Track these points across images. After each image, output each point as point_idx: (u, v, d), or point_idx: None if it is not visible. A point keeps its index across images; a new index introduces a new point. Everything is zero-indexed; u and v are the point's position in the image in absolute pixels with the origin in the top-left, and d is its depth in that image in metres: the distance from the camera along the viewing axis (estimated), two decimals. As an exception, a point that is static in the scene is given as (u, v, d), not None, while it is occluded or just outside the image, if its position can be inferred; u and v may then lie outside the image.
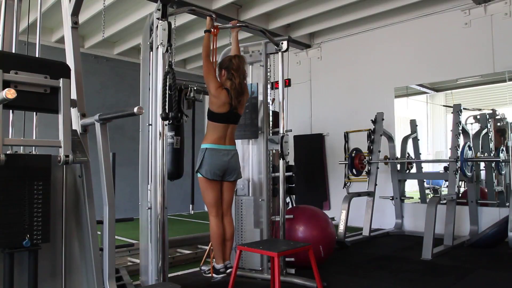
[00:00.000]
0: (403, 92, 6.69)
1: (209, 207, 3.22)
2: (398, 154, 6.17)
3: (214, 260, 3.25)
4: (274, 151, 3.80)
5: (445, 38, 6.03)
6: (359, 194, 5.54)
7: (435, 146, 7.17)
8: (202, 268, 3.36)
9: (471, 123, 5.89)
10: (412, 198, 6.27)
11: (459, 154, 4.94)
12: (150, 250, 2.81)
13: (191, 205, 4.05)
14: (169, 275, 3.10)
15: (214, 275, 3.22)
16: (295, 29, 7.22)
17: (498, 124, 5.79)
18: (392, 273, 3.78)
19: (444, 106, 6.91)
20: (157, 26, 2.70)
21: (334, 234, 4.12)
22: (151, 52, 2.96)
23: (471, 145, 5.20)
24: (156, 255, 2.69)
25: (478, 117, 5.74)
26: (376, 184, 5.74)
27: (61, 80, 2.01)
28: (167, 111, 2.59)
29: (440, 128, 7.20)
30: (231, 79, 3.19)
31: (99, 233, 2.22)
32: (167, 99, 2.60)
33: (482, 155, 5.51)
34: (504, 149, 5.40)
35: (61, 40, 6.56)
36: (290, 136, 4.66)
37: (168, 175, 3.29)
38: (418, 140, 6.34)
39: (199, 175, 3.18)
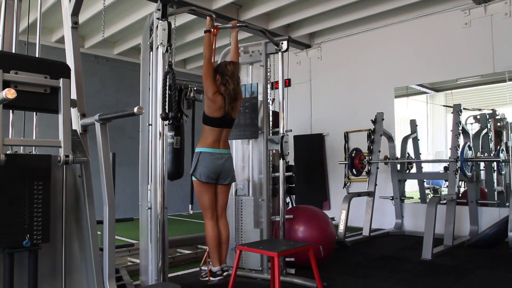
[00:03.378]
0: (403, 92, 6.68)
1: (204, 210, 3.25)
2: (398, 154, 6.17)
3: (210, 263, 3.25)
4: (274, 151, 3.79)
5: (445, 38, 6.03)
6: (359, 194, 5.54)
7: (435, 146, 7.17)
8: (202, 268, 3.36)
9: (471, 123, 5.89)
10: (412, 198, 6.27)
11: (459, 154, 4.94)
12: (150, 250, 2.81)
13: (190, 205, 4.05)
14: (169, 275, 3.11)
15: (211, 278, 3.21)
16: (295, 29, 7.22)
17: (498, 124, 5.79)
18: (392, 273, 3.78)
19: (444, 106, 6.91)
20: (157, 26, 2.70)
21: (334, 234, 4.11)
22: (151, 52, 2.96)
23: (471, 145, 5.20)
24: (156, 255, 2.69)
25: (478, 117, 5.74)
26: (376, 184, 5.74)
27: (61, 80, 2.01)
28: (167, 111, 2.60)
29: (440, 128, 7.20)
30: (225, 85, 3.22)
31: (99, 233, 2.22)
32: (167, 99, 2.60)
33: (482, 155, 5.51)
34: (504, 149, 5.40)
35: (61, 40, 6.56)
36: (290, 136, 4.66)
37: (169, 175, 3.29)
38: (418, 140, 6.34)
39: (193, 178, 3.21)
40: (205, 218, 3.25)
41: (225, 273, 3.17)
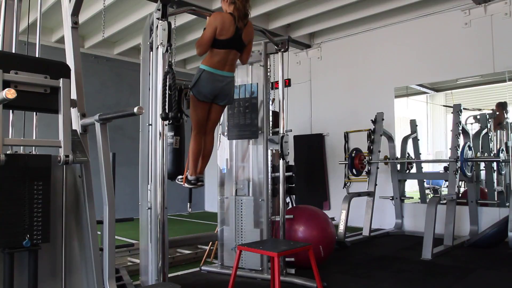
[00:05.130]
0: (403, 92, 6.69)
1: (194, 124, 3.26)
2: (398, 154, 6.17)
3: (188, 171, 3.34)
4: (274, 151, 3.79)
5: (445, 38, 6.03)
6: (359, 194, 5.54)
7: (435, 146, 7.16)
8: (178, 179, 3.44)
9: (471, 123, 5.89)
10: (412, 198, 6.27)
11: (459, 154, 4.94)
12: (150, 250, 2.81)
13: (188, 203, 4.05)
14: (169, 275, 3.11)
15: (185, 184, 3.36)
16: (295, 29, 7.22)
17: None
18: (392, 273, 3.78)
19: (444, 106, 6.91)
20: (157, 26, 2.71)
21: (334, 234, 4.11)
22: (151, 52, 2.96)
23: (471, 145, 5.20)
24: (156, 255, 2.69)
25: (478, 117, 5.74)
26: (376, 184, 5.74)
27: (61, 80, 2.01)
28: (167, 111, 2.60)
29: (440, 128, 7.19)
30: (234, 2, 3.12)
31: (99, 233, 2.22)
32: (167, 99, 2.60)
33: (482, 155, 5.51)
34: (504, 149, 5.40)
35: (61, 40, 6.56)
36: (290, 136, 4.66)
37: (170, 175, 3.30)
38: (418, 140, 6.34)
39: (191, 93, 3.19)
40: (193, 131, 3.27)
41: (199, 183, 3.33)
